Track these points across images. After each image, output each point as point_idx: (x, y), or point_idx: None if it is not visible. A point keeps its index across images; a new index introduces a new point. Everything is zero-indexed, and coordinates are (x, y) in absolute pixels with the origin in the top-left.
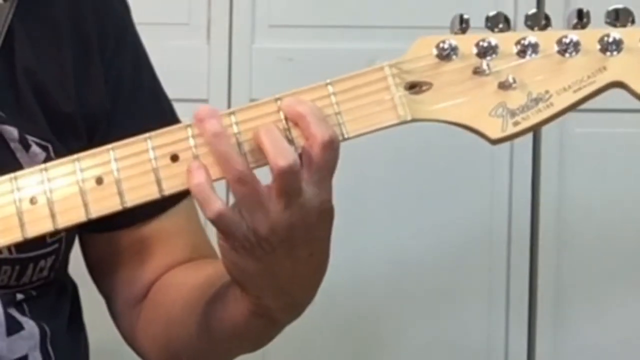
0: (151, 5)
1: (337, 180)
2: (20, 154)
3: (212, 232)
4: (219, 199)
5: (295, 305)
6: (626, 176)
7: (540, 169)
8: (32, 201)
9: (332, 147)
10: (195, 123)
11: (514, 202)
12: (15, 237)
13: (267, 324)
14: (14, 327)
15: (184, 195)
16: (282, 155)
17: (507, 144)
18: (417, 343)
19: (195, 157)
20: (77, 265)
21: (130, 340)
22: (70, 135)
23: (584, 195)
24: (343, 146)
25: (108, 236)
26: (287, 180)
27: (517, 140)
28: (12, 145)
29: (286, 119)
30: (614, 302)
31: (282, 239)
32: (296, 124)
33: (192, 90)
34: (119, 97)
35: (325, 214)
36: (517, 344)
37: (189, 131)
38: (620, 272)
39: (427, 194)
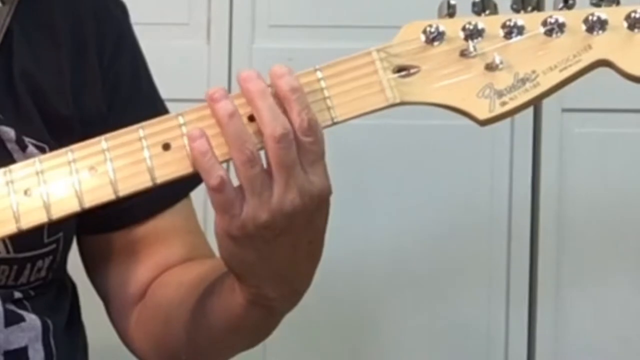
0: (151, 5)
1: (336, 166)
2: (17, 154)
3: (210, 235)
4: (222, 167)
5: (293, 293)
6: (626, 176)
7: (540, 168)
8: (27, 193)
9: (313, 131)
10: (209, 103)
11: (514, 202)
12: (10, 228)
13: (265, 314)
14: (13, 319)
15: (181, 195)
16: (280, 123)
17: (507, 143)
18: (418, 329)
19: (186, 146)
20: (77, 266)
21: (127, 340)
22: (67, 137)
23: (583, 195)
24: (343, 133)
25: (104, 237)
26: (284, 150)
27: (517, 140)
28: (9, 145)
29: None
30: (612, 290)
31: (283, 228)
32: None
33: (192, 90)
34: (116, 102)
35: (323, 202)
36: (517, 329)
37: (180, 119)
38: (619, 262)
39: (426, 192)
